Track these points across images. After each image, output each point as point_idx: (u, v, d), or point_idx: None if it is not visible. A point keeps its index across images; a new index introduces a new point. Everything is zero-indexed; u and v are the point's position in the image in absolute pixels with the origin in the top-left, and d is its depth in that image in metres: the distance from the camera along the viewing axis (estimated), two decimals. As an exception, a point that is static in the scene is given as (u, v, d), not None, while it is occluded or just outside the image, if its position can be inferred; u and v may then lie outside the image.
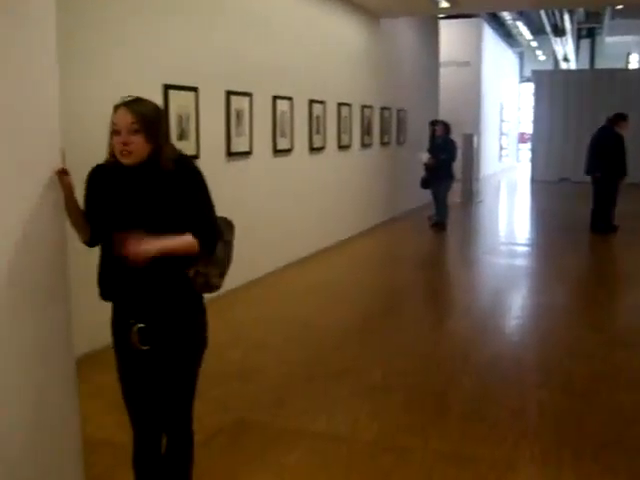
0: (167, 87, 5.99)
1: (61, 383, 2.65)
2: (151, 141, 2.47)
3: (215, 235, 2.57)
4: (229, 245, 2.67)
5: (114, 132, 2.46)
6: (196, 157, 6.17)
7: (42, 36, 2.52)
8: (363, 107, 11.03)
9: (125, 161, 2.45)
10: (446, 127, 11.11)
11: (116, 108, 2.48)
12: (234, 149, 7.22)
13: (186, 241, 2.47)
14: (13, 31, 2.40)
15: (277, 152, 8.20)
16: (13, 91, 2.40)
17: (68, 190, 2.58)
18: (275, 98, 8.05)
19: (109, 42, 5.26)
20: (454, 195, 12.34)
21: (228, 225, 2.70)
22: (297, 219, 8.63)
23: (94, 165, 2.61)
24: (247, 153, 7.49)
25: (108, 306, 2.64)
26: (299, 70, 8.54)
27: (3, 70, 2.36)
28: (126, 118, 2.43)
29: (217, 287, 2.63)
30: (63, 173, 2.56)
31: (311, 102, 9.05)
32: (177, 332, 2.60)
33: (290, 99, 8.40)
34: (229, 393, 4.51)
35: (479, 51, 20.28)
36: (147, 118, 2.47)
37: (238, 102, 7.24)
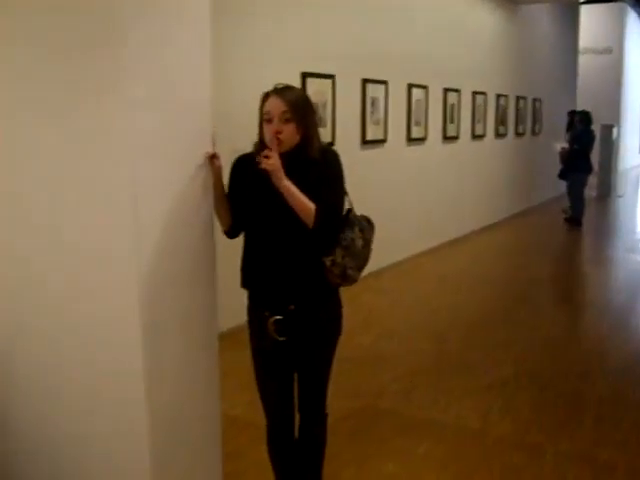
0: (305, 75, 6.05)
1: (204, 361, 2.72)
2: (301, 130, 2.48)
3: (333, 220, 2.52)
4: (368, 243, 2.64)
5: (265, 120, 2.48)
6: (331, 144, 6.19)
7: (198, 33, 2.58)
8: (498, 96, 10.73)
9: (276, 150, 2.45)
10: (586, 117, 10.61)
11: (266, 96, 2.49)
12: (369, 137, 7.20)
13: (307, 204, 2.45)
14: (170, 30, 2.46)
15: (411, 141, 8.11)
16: (169, 79, 2.47)
17: (217, 175, 2.63)
18: (410, 86, 7.96)
19: (254, 33, 5.36)
20: (590, 189, 11.76)
21: (369, 224, 2.67)
22: (430, 208, 8.53)
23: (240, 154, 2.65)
24: (381, 141, 7.45)
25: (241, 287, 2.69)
26: (435, 58, 8.40)
27: (161, 61, 2.42)
28: (278, 106, 2.44)
29: (354, 280, 2.60)
30: (214, 157, 2.61)
31: (446, 90, 8.89)
32: (314, 323, 2.61)
33: (425, 87, 8.28)
34: (359, 379, 4.52)
35: (621, 37, 19.20)
36: (298, 106, 2.46)
37: (374, 90, 7.21)
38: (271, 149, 2.41)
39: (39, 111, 2.57)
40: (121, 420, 2.55)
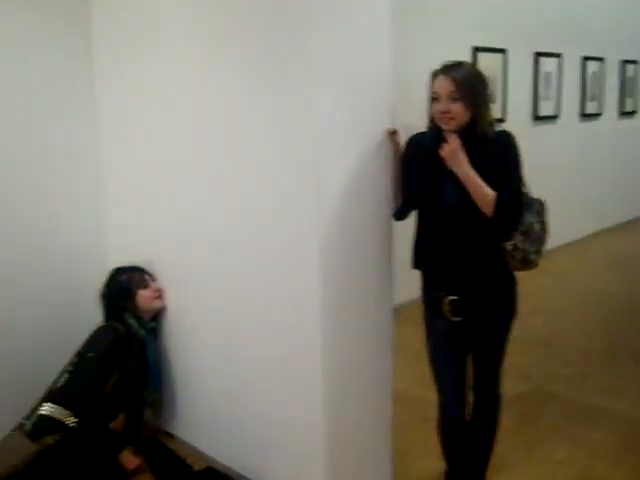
0: (476, 49, 5.88)
1: (379, 336, 2.74)
2: (471, 108, 2.39)
3: (514, 210, 2.43)
4: (545, 226, 2.54)
5: (434, 99, 2.43)
6: (502, 121, 6.00)
7: (378, 4, 2.55)
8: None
9: (446, 127, 2.41)
10: None
11: (435, 75, 2.44)
12: (541, 113, 6.91)
13: (487, 191, 2.36)
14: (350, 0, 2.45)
15: (585, 116, 7.68)
16: (349, 54, 2.46)
17: (395, 152, 2.62)
18: (585, 59, 7.52)
19: (425, 6, 5.28)
20: None
21: (541, 206, 2.56)
22: (604, 187, 8.06)
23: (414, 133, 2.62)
24: (553, 117, 7.13)
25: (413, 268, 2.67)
26: (610, 29, 7.85)
27: (343, 36, 2.42)
28: (446, 86, 2.37)
29: (535, 264, 2.51)
30: (393, 134, 2.60)
31: (624, 63, 8.32)
32: (491, 305, 2.55)
33: (601, 60, 7.80)
34: (529, 361, 4.38)
35: None
36: (467, 85, 2.38)
37: (547, 64, 6.89)
38: (451, 135, 2.36)
39: (237, 95, 2.68)
40: (297, 386, 2.62)
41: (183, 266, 3.15)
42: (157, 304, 3.23)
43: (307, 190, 2.43)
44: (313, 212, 2.42)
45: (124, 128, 3.41)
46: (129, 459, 3.02)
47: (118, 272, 3.25)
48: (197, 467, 3.08)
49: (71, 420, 2.87)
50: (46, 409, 2.90)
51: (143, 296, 3.18)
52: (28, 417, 2.91)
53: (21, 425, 2.89)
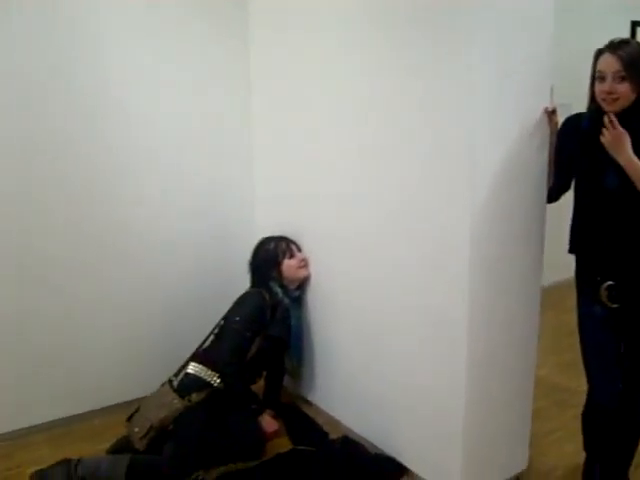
0: (635, 24, 5.51)
1: (525, 318, 2.66)
2: (637, 89, 2.24)
3: None
4: None
5: (598, 78, 2.29)
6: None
7: None
8: None
9: (609, 108, 2.27)
10: None
11: (600, 53, 2.29)
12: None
13: None
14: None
15: None
16: (508, 30, 2.37)
17: (553, 131, 2.51)
18: None
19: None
20: None
21: None
22: None
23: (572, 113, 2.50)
24: None
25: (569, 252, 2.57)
26: None
27: (501, 13, 2.33)
28: (612, 65, 2.23)
29: None
30: (552, 112, 2.49)
31: None
32: None
33: None
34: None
35: None
36: (635, 64, 2.22)
37: None
38: (612, 119, 2.23)
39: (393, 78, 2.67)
40: (440, 363, 2.60)
41: (329, 239, 3.19)
42: (302, 273, 3.30)
43: (461, 170, 2.37)
44: (466, 192, 2.36)
45: (277, 108, 3.49)
46: (268, 422, 3.11)
47: (266, 241, 3.34)
48: (333, 435, 3.13)
49: (215, 380, 2.99)
50: (192, 368, 3.05)
51: (288, 265, 3.26)
52: (176, 375, 3.07)
53: (170, 381, 3.06)
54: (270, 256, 3.27)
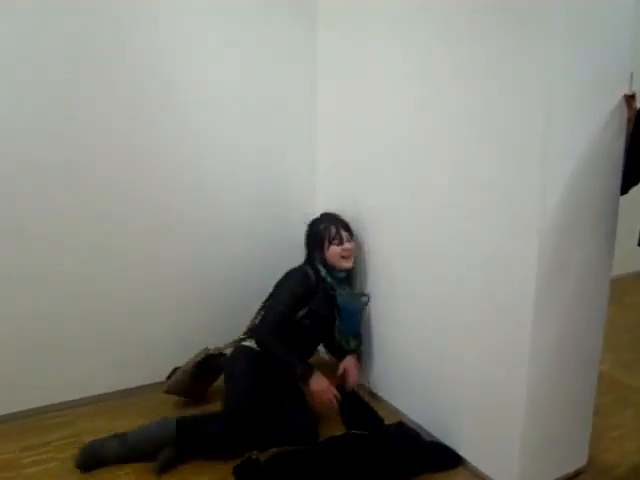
0: None
1: (593, 311, 2.54)
2: None
3: None
4: None
5: None
6: None
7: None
8: None
9: None
10: None
11: None
12: None
13: None
14: None
15: None
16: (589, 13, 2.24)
17: (629, 117, 2.38)
18: None
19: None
20: None
21: None
22: None
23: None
24: None
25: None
26: None
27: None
28: None
29: None
30: (631, 98, 2.36)
31: None
32: None
33: None
34: None
35: None
36: None
37: None
38: None
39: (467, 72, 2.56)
40: (501, 354, 2.51)
41: (392, 221, 3.11)
42: (342, 264, 3.19)
43: (534, 157, 2.26)
44: (539, 181, 2.26)
45: (343, 96, 3.43)
46: (318, 380, 2.91)
47: (319, 220, 3.27)
48: (388, 421, 3.05)
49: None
50: (245, 343, 3.07)
51: (332, 251, 3.17)
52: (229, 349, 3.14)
53: (222, 354, 3.16)
54: (317, 238, 3.22)
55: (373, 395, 3.38)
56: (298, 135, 3.64)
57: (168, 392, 3.14)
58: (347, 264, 3.19)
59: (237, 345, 3.10)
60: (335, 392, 2.90)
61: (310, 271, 3.14)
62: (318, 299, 3.11)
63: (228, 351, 3.15)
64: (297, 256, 3.29)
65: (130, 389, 3.36)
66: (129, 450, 2.74)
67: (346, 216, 3.31)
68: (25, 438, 2.95)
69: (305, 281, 3.10)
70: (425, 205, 2.84)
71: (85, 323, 3.20)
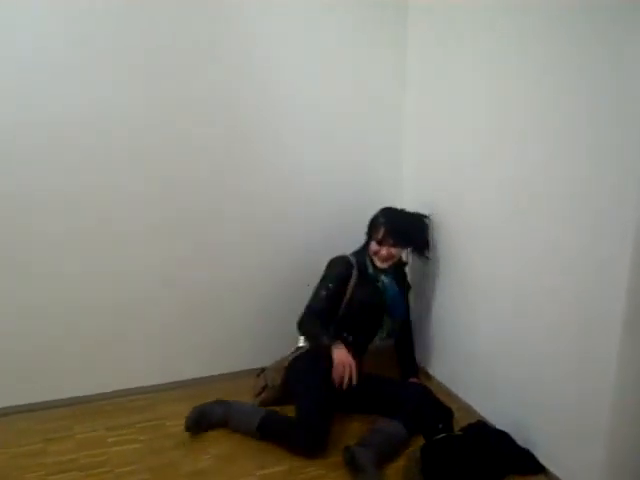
0: None
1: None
2: None
3: None
4: None
5: None
6: None
7: None
8: None
9: None
10: None
11: None
12: None
13: None
14: None
15: None
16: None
17: None
18: None
19: None
20: None
21: None
22: None
23: None
24: None
25: None
26: None
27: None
28: None
29: None
30: None
31: None
32: None
33: None
34: None
35: None
36: None
37: None
38: None
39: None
40: (590, 355, 2.40)
41: (473, 220, 3.06)
42: (377, 261, 3.13)
43: (629, 164, 2.16)
44: (635, 180, 2.16)
45: (431, 94, 3.38)
46: (339, 353, 2.86)
47: (379, 214, 3.20)
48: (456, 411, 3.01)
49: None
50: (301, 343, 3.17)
51: (371, 246, 3.13)
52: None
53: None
54: (368, 229, 3.20)
55: (440, 386, 3.35)
56: (387, 135, 3.60)
57: (263, 404, 3.13)
58: (380, 264, 3.14)
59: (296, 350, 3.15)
60: (354, 370, 2.84)
61: (352, 258, 3.13)
62: (360, 286, 3.09)
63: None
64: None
65: (212, 376, 3.42)
66: (227, 417, 2.93)
67: (428, 213, 3.29)
68: (112, 418, 3.06)
69: (341, 265, 3.10)
70: (511, 206, 2.77)
71: (170, 311, 3.29)
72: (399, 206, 3.30)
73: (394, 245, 3.11)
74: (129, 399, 3.23)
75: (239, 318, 3.43)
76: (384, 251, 3.11)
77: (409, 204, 3.44)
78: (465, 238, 3.13)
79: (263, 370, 3.22)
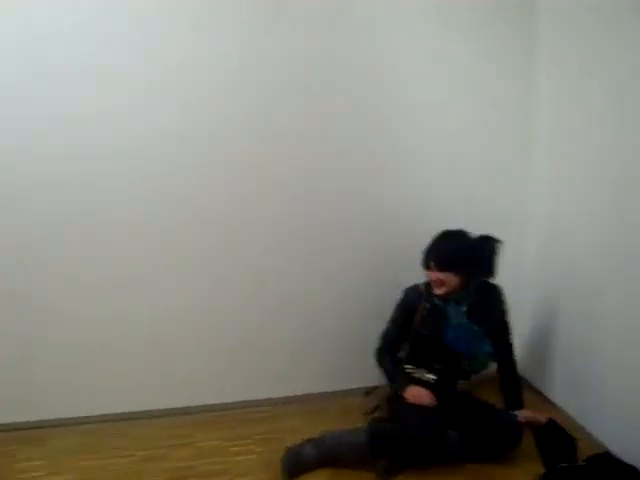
0: None
1: None
2: None
3: None
4: None
5: None
6: None
7: None
8: None
9: None
10: None
11: None
12: None
13: None
14: None
15: None
16: None
17: None
18: None
19: None
20: None
21: None
22: None
23: None
24: None
25: None
26: None
27: None
28: None
29: None
30: None
31: None
32: None
33: None
34: None
35: None
36: None
37: None
38: None
39: None
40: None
41: (591, 236, 2.89)
42: (434, 290, 2.93)
43: None
44: None
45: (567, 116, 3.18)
46: (412, 391, 2.85)
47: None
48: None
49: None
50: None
51: (426, 273, 2.95)
52: None
53: None
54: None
55: (560, 412, 3.12)
56: (511, 149, 3.45)
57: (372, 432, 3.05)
58: (436, 290, 2.92)
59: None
60: (431, 396, 2.81)
61: (423, 286, 2.99)
62: (425, 316, 2.94)
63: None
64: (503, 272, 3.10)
65: (331, 392, 3.41)
66: (325, 454, 2.77)
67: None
68: (232, 428, 3.11)
69: (408, 293, 3.01)
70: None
71: (297, 326, 3.34)
72: (522, 240, 3.12)
73: (440, 269, 2.89)
74: (248, 411, 3.27)
75: (359, 335, 3.38)
76: (432, 276, 2.92)
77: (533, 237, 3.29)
78: (586, 258, 2.92)
79: (374, 389, 3.15)
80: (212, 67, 2.97)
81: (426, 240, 2.94)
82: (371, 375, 3.26)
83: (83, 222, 2.98)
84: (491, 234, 2.90)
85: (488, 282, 2.97)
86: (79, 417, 3.13)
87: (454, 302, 2.94)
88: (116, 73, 2.88)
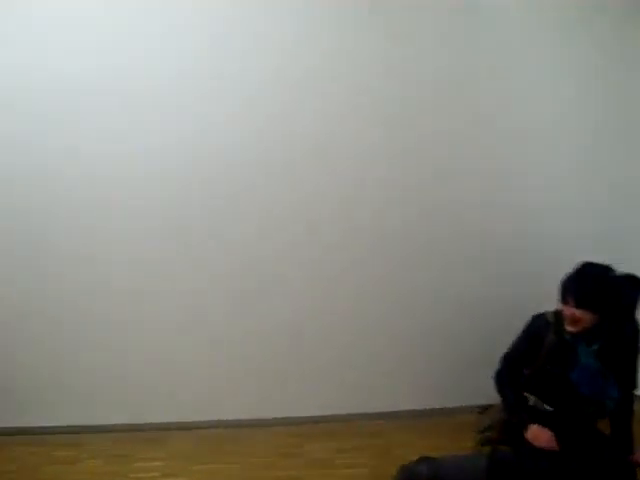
0: None
1: None
2: None
3: None
4: None
5: None
6: None
7: None
8: None
9: None
10: None
11: None
12: None
13: None
14: None
15: None
16: None
17: None
18: None
19: None
20: None
21: None
22: None
23: None
24: None
25: None
26: None
27: None
28: None
29: None
30: None
31: None
32: None
33: None
34: None
35: None
36: None
37: None
38: None
39: None
40: None
41: None
42: (566, 325, 2.64)
43: None
44: None
45: None
46: (534, 433, 2.65)
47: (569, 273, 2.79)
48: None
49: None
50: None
51: (559, 308, 2.68)
52: None
53: None
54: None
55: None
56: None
57: (484, 444, 2.95)
58: (568, 327, 2.64)
59: None
60: (553, 440, 2.57)
61: (552, 316, 2.73)
62: (552, 351, 2.69)
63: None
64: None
65: (443, 408, 3.34)
66: (439, 476, 2.68)
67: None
68: (337, 440, 3.10)
69: (536, 320, 2.77)
70: None
71: (409, 343, 3.34)
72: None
73: (577, 306, 2.64)
74: (359, 424, 3.25)
75: (471, 351, 3.31)
76: (568, 311, 2.66)
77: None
78: None
79: (487, 407, 3.02)
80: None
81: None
82: (484, 393, 3.16)
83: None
84: (636, 274, 2.67)
85: (624, 322, 2.77)
86: (199, 422, 3.24)
87: (584, 340, 2.75)
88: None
